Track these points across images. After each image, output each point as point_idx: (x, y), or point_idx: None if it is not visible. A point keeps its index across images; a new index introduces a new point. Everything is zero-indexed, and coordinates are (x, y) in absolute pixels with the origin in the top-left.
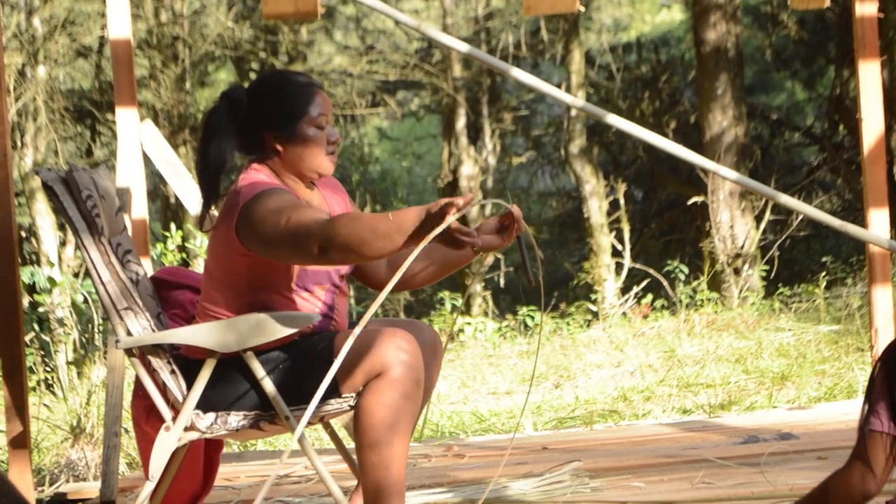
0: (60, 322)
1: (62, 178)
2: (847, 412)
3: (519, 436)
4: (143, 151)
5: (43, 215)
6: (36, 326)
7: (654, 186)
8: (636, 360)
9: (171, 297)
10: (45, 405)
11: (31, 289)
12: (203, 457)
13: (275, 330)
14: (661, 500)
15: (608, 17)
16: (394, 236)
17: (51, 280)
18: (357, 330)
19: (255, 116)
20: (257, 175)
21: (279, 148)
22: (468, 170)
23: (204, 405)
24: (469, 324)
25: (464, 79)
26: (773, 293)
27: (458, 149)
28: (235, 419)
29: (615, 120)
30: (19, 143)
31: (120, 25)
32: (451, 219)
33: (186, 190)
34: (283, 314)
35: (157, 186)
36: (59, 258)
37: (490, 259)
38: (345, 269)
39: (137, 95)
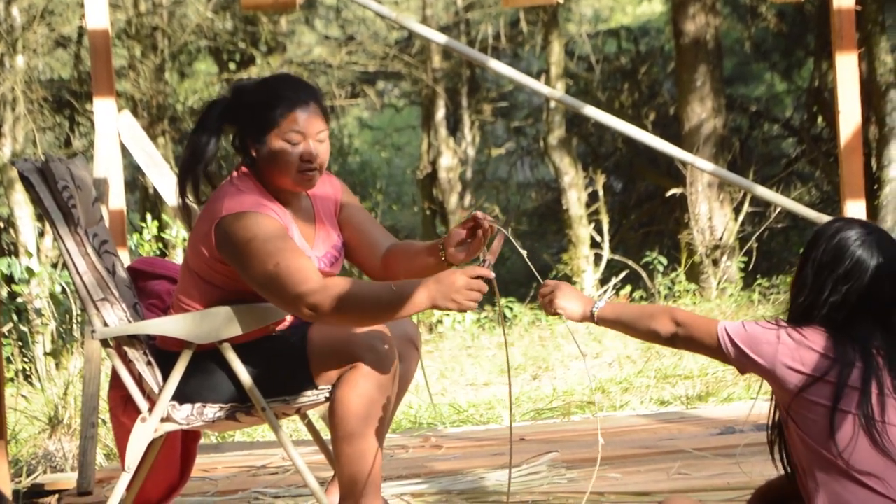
0: (38, 313)
1: (38, 168)
2: None
3: (496, 427)
4: (120, 142)
5: (21, 206)
6: (14, 317)
7: (633, 178)
8: (614, 351)
9: (147, 287)
10: (22, 396)
11: (9, 279)
12: (180, 448)
13: (249, 321)
14: (638, 490)
15: (588, 8)
16: (396, 308)
17: (29, 270)
18: None
19: (240, 118)
20: (244, 184)
21: (254, 153)
22: (447, 161)
23: (180, 396)
24: (447, 315)
25: (443, 70)
26: (752, 284)
27: (437, 140)
28: (212, 410)
29: (593, 111)
30: None
31: (98, 15)
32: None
33: (164, 181)
34: (257, 306)
35: (135, 177)
36: (38, 249)
37: None
38: (337, 267)
39: (116, 86)
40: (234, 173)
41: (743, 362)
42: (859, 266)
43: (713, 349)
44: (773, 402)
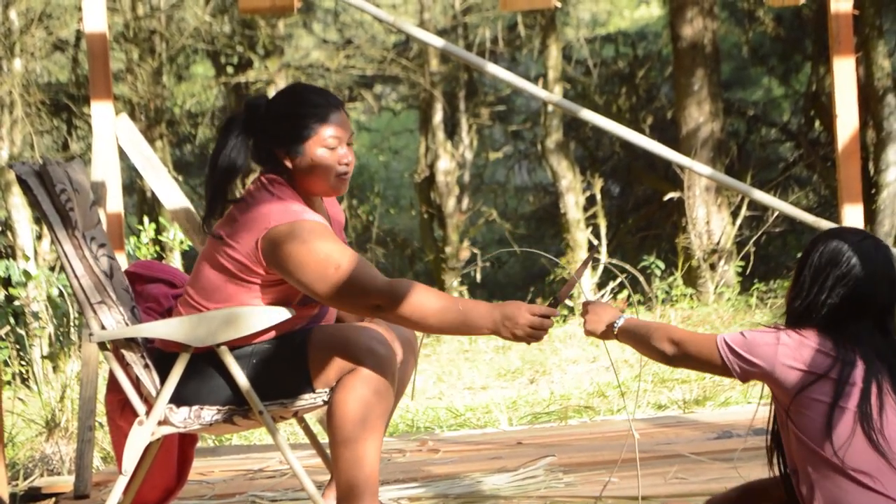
0: (36, 316)
1: (36, 171)
2: None
3: (493, 430)
4: (118, 145)
5: (19, 209)
6: (11, 320)
7: (631, 182)
8: (612, 355)
9: (145, 290)
10: (19, 399)
11: (7, 282)
12: (177, 451)
13: (247, 325)
14: (635, 495)
15: (586, 12)
16: (458, 329)
17: (26, 273)
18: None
19: (268, 130)
20: (282, 192)
21: (289, 165)
22: (445, 164)
23: (177, 399)
24: None
25: (441, 73)
26: (749, 289)
27: (435, 143)
28: (209, 413)
29: (590, 115)
30: None
31: (96, 19)
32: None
33: (162, 184)
34: (255, 309)
35: (132, 180)
36: (35, 252)
37: (466, 254)
38: None
39: (114, 89)
40: (263, 181)
41: (745, 368)
42: (854, 270)
43: (713, 362)
44: (773, 408)
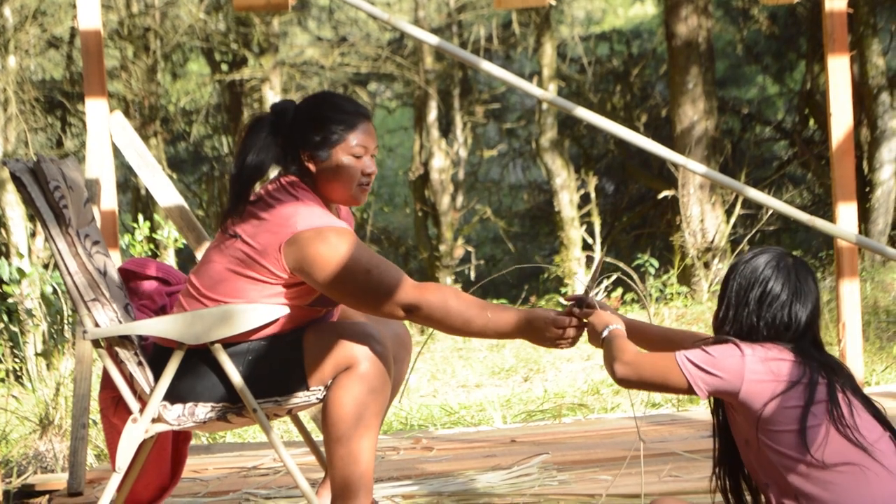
0: (29, 313)
1: (30, 169)
2: None
3: (487, 428)
4: (112, 143)
5: (13, 206)
6: (5, 317)
7: (625, 180)
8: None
9: (139, 288)
10: (13, 396)
11: (0, 280)
12: (171, 448)
13: (241, 323)
14: (629, 493)
15: (581, 10)
16: (485, 334)
17: (20, 271)
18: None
19: (296, 133)
20: (305, 195)
21: (312, 169)
22: (439, 162)
23: (171, 396)
24: None
25: (435, 71)
26: None
27: (429, 141)
28: (203, 411)
29: (584, 113)
30: None
31: (90, 16)
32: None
33: (156, 181)
34: (249, 307)
35: (127, 178)
36: (29, 249)
37: (460, 252)
38: None
39: (108, 86)
40: (283, 182)
41: (710, 384)
42: (774, 289)
43: (673, 381)
44: (718, 431)
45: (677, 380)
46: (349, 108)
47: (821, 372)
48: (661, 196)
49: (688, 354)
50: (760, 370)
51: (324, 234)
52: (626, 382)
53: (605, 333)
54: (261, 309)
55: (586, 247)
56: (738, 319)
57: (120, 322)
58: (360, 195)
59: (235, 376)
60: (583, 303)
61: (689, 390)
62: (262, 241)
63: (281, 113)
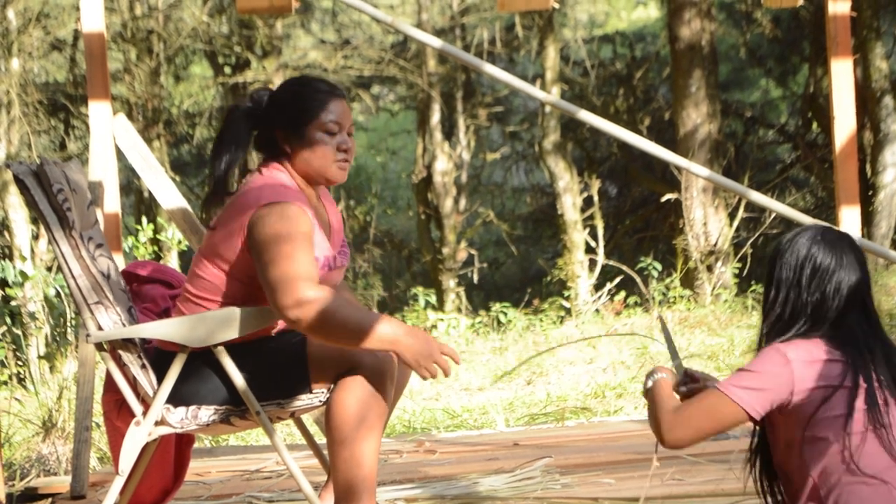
0: (32, 316)
1: (33, 171)
2: None
3: (490, 432)
4: (115, 145)
5: (16, 209)
6: (8, 320)
7: (628, 183)
8: (609, 356)
9: (142, 291)
10: (16, 399)
11: (3, 283)
12: (174, 451)
13: (244, 325)
14: (632, 496)
15: (584, 13)
16: (368, 346)
17: (23, 274)
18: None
19: (270, 115)
20: (280, 175)
21: (288, 149)
22: (442, 165)
23: (175, 399)
24: (442, 320)
25: (438, 74)
26: (746, 290)
27: (432, 144)
28: (206, 414)
29: (587, 116)
30: None
31: (93, 18)
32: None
33: (159, 184)
34: (252, 309)
35: (130, 181)
36: (32, 252)
37: (463, 255)
38: (338, 274)
39: (111, 89)
40: (262, 168)
41: (762, 402)
42: (824, 262)
43: (724, 414)
44: (756, 445)
45: (731, 412)
46: (322, 87)
47: (860, 368)
48: (664, 199)
49: (731, 381)
50: (808, 376)
51: (282, 208)
52: (681, 443)
53: (649, 383)
54: (264, 311)
55: (589, 250)
56: (789, 300)
57: (123, 325)
58: (339, 173)
59: (238, 379)
60: (689, 379)
61: (748, 418)
62: (233, 223)
63: (257, 100)
